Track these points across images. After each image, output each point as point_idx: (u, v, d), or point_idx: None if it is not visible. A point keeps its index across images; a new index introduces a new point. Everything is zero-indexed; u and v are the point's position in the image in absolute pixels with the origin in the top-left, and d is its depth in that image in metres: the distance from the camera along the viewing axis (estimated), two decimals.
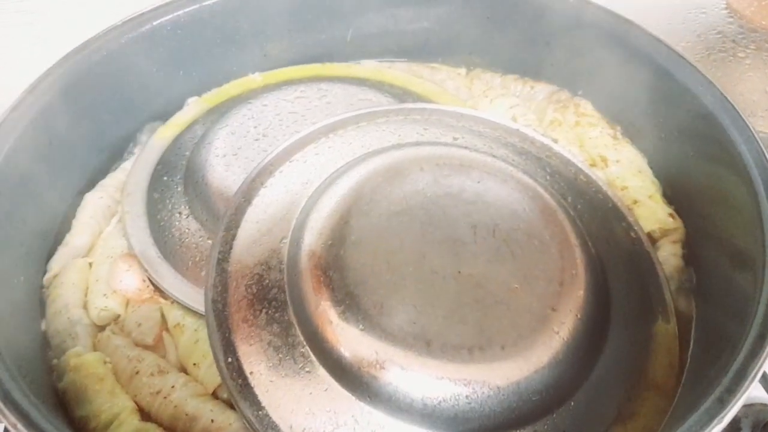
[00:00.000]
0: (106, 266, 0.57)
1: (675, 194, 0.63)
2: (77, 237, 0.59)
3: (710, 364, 0.49)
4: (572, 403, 0.48)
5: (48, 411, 0.39)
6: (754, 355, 0.40)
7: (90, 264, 0.58)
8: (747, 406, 0.70)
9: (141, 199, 0.64)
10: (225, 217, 0.55)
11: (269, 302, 0.50)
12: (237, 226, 0.55)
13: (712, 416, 0.37)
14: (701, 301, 0.56)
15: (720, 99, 0.56)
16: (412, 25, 0.79)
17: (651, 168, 0.67)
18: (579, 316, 0.49)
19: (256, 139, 0.64)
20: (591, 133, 0.70)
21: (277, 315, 0.50)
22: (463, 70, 0.80)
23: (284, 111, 0.68)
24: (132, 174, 0.66)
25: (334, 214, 0.53)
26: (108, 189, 0.64)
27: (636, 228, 0.61)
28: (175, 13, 0.69)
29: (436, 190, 0.55)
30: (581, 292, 0.51)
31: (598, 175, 0.65)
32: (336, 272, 0.49)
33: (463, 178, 0.56)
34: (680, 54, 0.60)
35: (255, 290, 0.51)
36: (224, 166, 0.62)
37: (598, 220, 0.60)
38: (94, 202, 0.62)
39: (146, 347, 0.53)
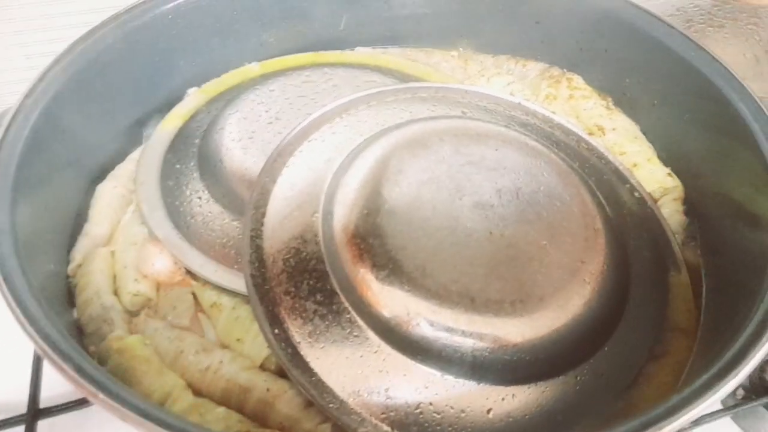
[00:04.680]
0: (132, 253, 0.56)
1: (670, 157, 0.68)
2: (97, 226, 0.58)
3: (726, 306, 0.53)
4: (607, 348, 0.51)
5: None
6: None
7: (112, 253, 0.58)
8: None
9: (155, 188, 0.63)
10: (252, 197, 0.56)
11: (309, 273, 0.51)
12: (265, 204, 0.56)
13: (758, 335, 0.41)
14: (707, 251, 0.60)
15: (711, 62, 0.60)
16: (404, 10, 0.81)
17: (644, 134, 0.71)
18: (605, 266, 0.52)
19: (270, 123, 0.65)
20: (585, 105, 0.73)
21: (319, 285, 0.51)
22: (455, 53, 0.82)
23: (293, 95, 0.68)
24: (142, 163, 0.65)
25: (365, 186, 0.54)
26: (120, 179, 0.63)
27: (639, 189, 0.65)
28: (176, 2, 0.68)
29: (459, 158, 0.57)
30: (604, 246, 0.54)
31: (598, 142, 0.68)
32: (376, 239, 0.50)
33: (482, 147, 0.59)
34: (669, 24, 0.65)
35: (293, 263, 0.52)
36: (241, 150, 0.62)
37: (605, 183, 0.64)
38: (108, 192, 0.61)
39: (183, 329, 0.53)
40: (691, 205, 0.64)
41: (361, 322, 0.49)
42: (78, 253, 0.56)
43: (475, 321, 0.47)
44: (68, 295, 0.55)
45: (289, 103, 0.67)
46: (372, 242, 0.50)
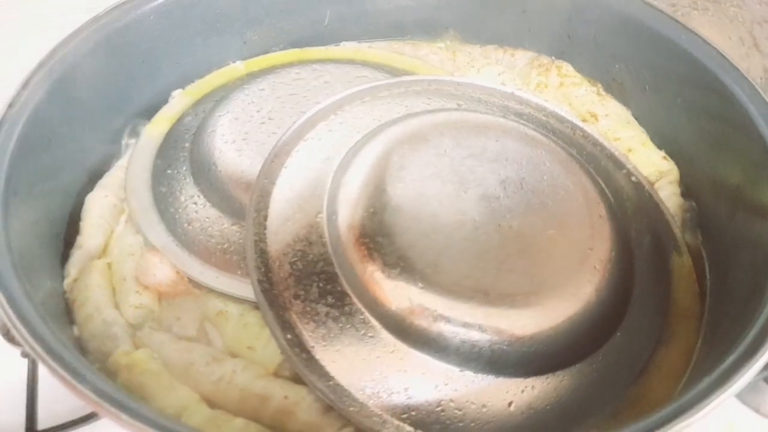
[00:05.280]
0: (129, 264, 0.54)
1: (663, 142, 0.68)
2: (90, 239, 0.56)
3: (731, 289, 0.54)
4: (618, 334, 0.51)
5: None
6: None
7: (108, 265, 0.56)
8: None
9: (147, 195, 0.61)
10: (252, 200, 0.54)
11: (318, 275, 0.50)
12: (266, 207, 0.54)
13: None
14: (707, 235, 0.61)
15: (703, 45, 0.60)
16: (389, 3, 0.80)
17: (636, 119, 0.71)
18: (613, 253, 0.53)
19: (263, 123, 0.63)
20: (576, 92, 0.74)
21: (329, 287, 0.50)
22: (442, 44, 0.81)
23: (284, 93, 0.67)
24: (130, 170, 0.63)
25: (368, 184, 0.53)
26: (110, 188, 0.61)
27: (636, 173, 0.65)
28: (157, 1, 0.66)
29: (460, 151, 0.57)
30: (609, 232, 0.54)
31: (593, 129, 0.68)
32: (384, 237, 0.50)
33: (483, 138, 0.58)
34: (657, 8, 0.65)
35: (301, 266, 0.51)
36: (236, 152, 0.60)
37: (602, 170, 0.64)
38: (99, 202, 0.59)
39: (190, 340, 0.51)
40: (686, 189, 0.64)
41: (375, 322, 0.48)
42: (73, 267, 0.54)
43: (491, 314, 0.47)
44: (67, 311, 0.53)
45: (280, 101, 0.66)
46: (380, 241, 0.49)
